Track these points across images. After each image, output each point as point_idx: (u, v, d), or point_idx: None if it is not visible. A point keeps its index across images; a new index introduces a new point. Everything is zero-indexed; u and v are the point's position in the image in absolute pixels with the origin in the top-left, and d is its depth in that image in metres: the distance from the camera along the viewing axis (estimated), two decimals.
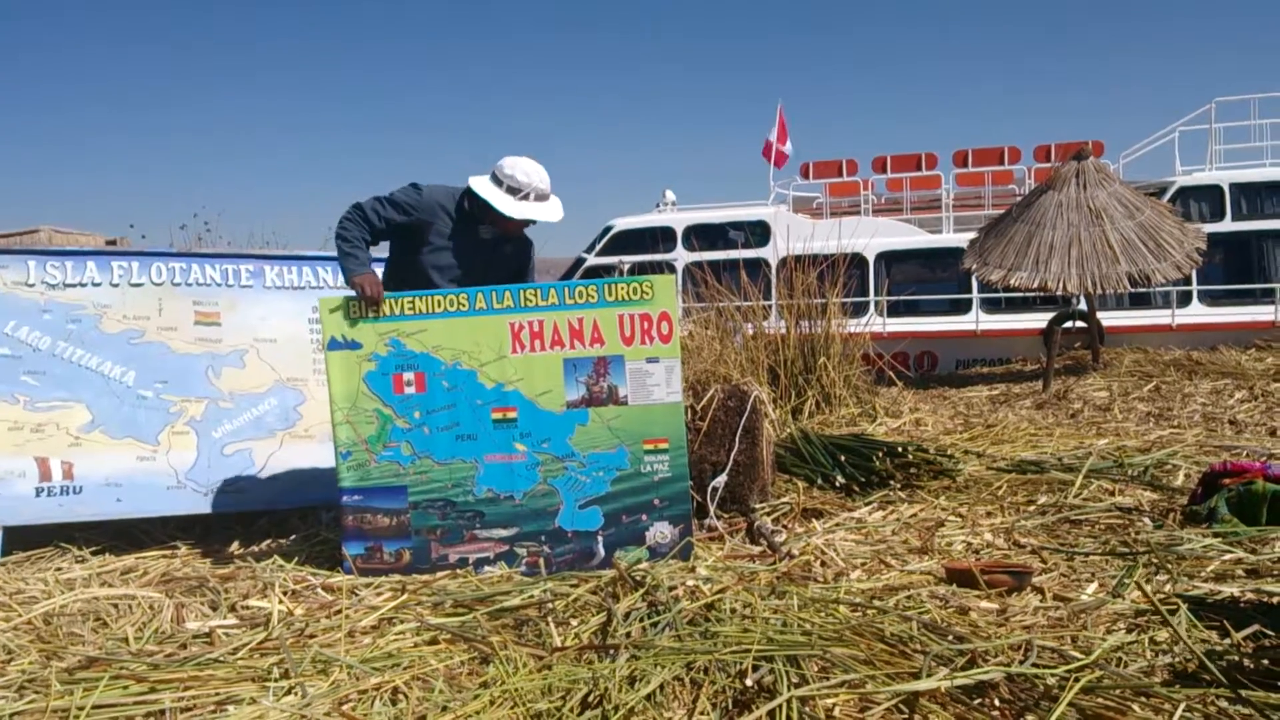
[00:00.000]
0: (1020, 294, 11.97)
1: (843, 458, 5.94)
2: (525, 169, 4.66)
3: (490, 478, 4.54)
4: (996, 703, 2.81)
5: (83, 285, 5.37)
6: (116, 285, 5.43)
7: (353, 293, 4.51)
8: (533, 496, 4.54)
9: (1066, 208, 11.07)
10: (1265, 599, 3.62)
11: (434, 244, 4.71)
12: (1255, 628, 3.29)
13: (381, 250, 4.84)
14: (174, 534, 5.43)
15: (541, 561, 4.50)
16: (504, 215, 4.66)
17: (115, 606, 4.17)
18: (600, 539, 4.52)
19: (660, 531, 4.52)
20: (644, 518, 4.53)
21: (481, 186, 4.69)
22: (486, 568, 4.49)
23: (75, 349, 5.30)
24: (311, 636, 3.61)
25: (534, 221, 4.76)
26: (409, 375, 4.52)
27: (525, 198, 4.67)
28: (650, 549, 4.51)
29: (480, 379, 4.53)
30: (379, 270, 4.64)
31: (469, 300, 4.52)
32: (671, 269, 14.96)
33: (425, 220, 4.68)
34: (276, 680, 3.18)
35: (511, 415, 4.53)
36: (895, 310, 14.35)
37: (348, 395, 4.52)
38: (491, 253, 4.84)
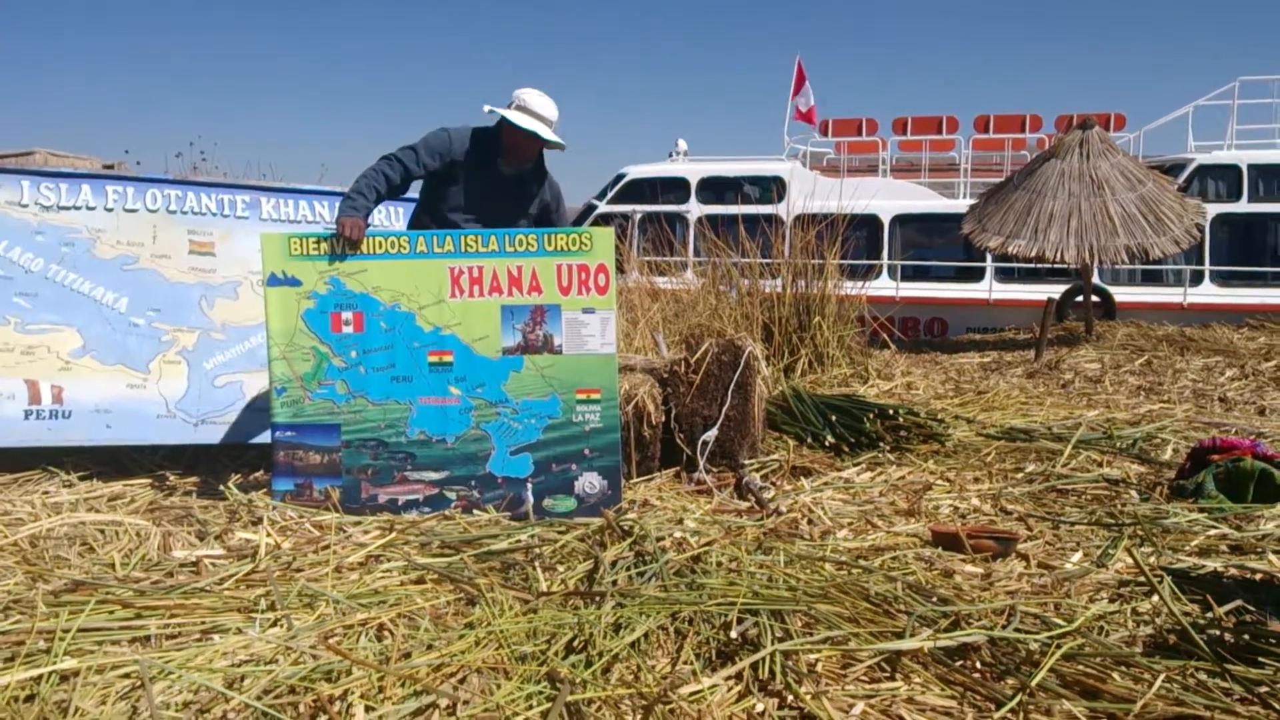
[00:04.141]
0: (1033, 264, 11.87)
1: (833, 417, 5.95)
2: (535, 94, 4.76)
3: (424, 420, 4.56)
4: (978, 665, 2.84)
5: (77, 208, 5.31)
6: (111, 210, 5.37)
7: (303, 231, 4.64)
8: (465, 441, 4.56)
9: (1068, 177, 11.02)
10: (1248, 575, 3.64)
11: (461, 183, 4.80)
12: (1238, 603, 3.31)
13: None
14: (162, 463, 5.41)
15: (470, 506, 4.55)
16: (512, 125, 4.70)
17: (102, 532, 4.18)
18: (529, 486, 4.56)
19: (589, 482, 4.56)
20: (573, 467, 4.56)
21: (497, 108, 4.79)
22: (414, 510, 4.52)
23: (68, 272, 5.25)
24: (299, 570, 3.62)
25: (540, 140, 4.77)
26: (347, 314, 4.54)
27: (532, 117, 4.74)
28: (579, 499, 4.55)
29: (418, 322, 4.55)
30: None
31: (410, 243, 4.55)
32: (684, 221, 14.87)
33: (455, 159, 4.77)
34: (263, 611, 3.19)
35: (448, 359, 4.55)
36: (907, 274, 14.30)
37: (285, 331, 4.54)
38: (514, 188, 4.91)
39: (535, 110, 4.71)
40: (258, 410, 5.35)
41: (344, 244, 4.49)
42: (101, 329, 5.27)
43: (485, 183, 4.83)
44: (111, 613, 3.13)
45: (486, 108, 4.80)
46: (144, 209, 5.44)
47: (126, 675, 2.71)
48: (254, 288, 5.53)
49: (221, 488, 4.81)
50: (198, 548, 3.96)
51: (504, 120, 4.74)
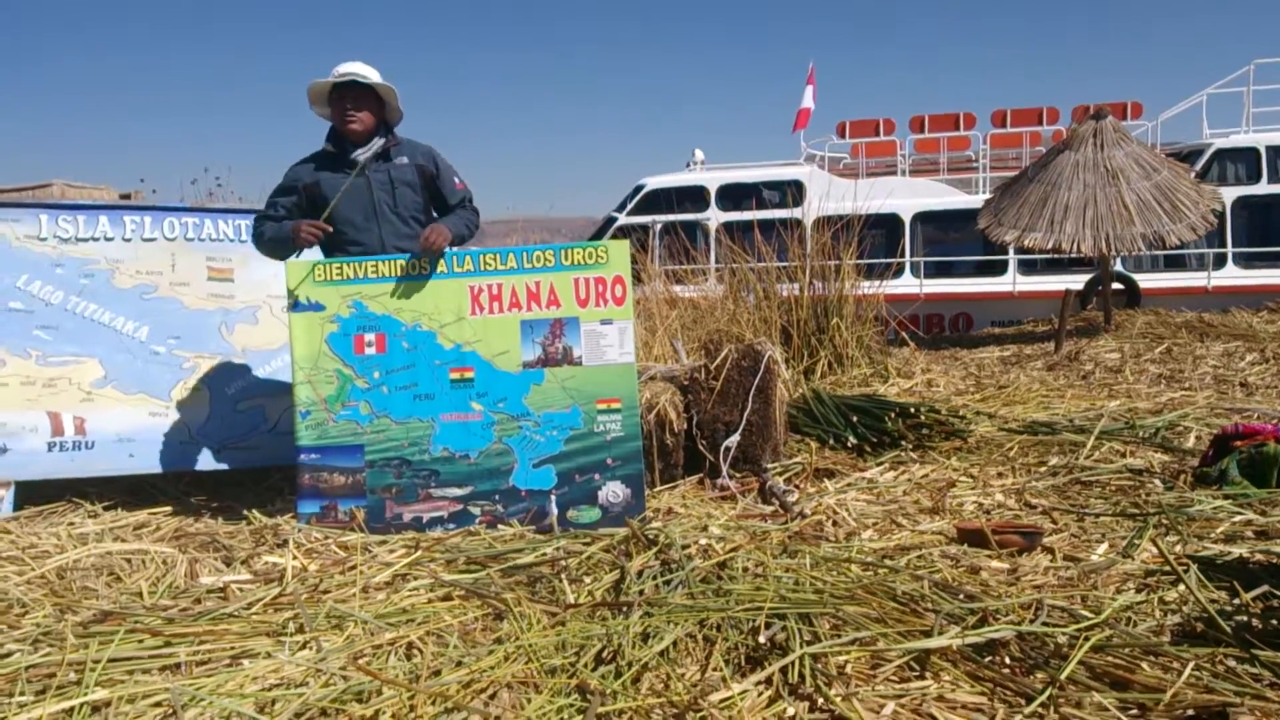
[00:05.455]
0: (1054, 255, 11.84)
1: (855, 418, 5.94)
2: (344, 64, 4.74)
3: (446, 437, 4.59)
4: (1007, 661, 2.82)
5: (95, 240, 5.36)
6: (129, 240, 5.42)
7: (321, 259, 4.65)
8: (488, 455, 4.58)
9: (1083, 168, 10.99)
10: (1275, 560, 3.62)
11: (330, 196, 4.72)
12: (1264, 589, 3.28)
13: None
14: (186, 490, 5.45)
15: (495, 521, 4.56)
16: (325, 96, 4.74)
17: (128, 561, 4.20)
18: (553, 498, 4.57)
19: (613, 491, 4.57)
20: (596, 477, 4.58)
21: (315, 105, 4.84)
22: (439, 527, 4.53)
23: (88, 304, 5.30)
24: (326, 592, 3.63)
25: (354, 87, 4.68)
26: (370, 336, 4.59)
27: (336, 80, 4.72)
28: (603, 508, 4.56)
29: (439, 340, 4.60)
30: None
31: (430, 264, 4.61)
32: (704, 229, 14.88)
33: (308, 183, 4.78)
34: (292, 635, 3.20)
35: (469, 375, 4.59)
36: (930, 271, 14.29)
37: (309, 356, 4.59)
38: (379, 169, 4.80)
39: (339, 70, 4.69)
40: (281, 434, 5.37)
41: (311, 235, 4.56)
42: (123, 358, 5.32)
43: (348, 180, 4.73)
44: (141, 642, 3.14)
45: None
46: (162, 238, 5.49)
47: (158, 704, 2.72)
48: (273, 312, 5.57)
49: (246, 512, 4.84)
50: (224, 573, 3.98)
51: (329, 102, 4.74)
